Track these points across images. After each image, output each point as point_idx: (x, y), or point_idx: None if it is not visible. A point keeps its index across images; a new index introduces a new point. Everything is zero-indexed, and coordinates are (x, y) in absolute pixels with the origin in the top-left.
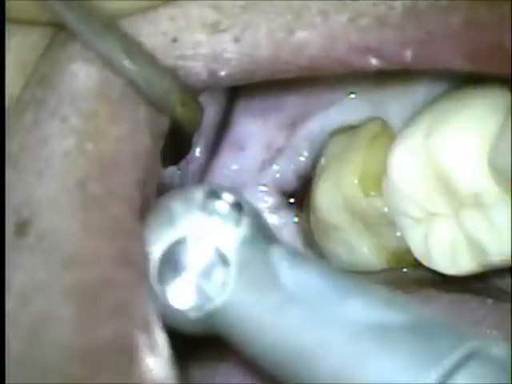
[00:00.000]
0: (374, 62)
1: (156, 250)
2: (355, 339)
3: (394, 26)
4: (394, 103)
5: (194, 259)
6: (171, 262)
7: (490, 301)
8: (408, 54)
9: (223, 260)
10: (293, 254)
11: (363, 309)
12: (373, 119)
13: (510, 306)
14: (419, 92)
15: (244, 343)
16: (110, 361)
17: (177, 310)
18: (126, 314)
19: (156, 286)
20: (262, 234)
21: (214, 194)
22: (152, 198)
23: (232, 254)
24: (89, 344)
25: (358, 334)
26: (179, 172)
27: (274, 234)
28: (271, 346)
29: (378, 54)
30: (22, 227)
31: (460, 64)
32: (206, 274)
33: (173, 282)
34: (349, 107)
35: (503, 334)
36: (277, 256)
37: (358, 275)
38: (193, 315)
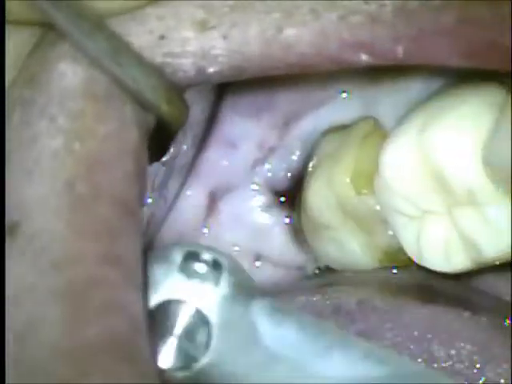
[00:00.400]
0: (365, 58)
1: None
2: None
3: (385, 23)
4: (386, 102)
5: (177, 321)
6: (155, 324)
7: (466, 314)
8: (400, 51)
9: (204, 321)
10: (273, 309)
11: (343, 363)
12: (365, 118)
13: (485, 319)
14: (411, 91)
15: None
16: (98, 360)
17: (163, 370)
18: (113, 312)
19: None
20: (242, 290)
21: (193, 255)
22: (143, 193)
23: (213, 315)
24: (77, 344)
25: None
26: (164, 168)
27: (254, 286)
28: None
29: (369, 50)
30: (12, 229)
31: (453, 61)
32: (189, 335)
33: (158, 345)
34: (341, 106)
35: (477, 348)
36: (257, 313)
37: (335, 328)
38: (179, 375)
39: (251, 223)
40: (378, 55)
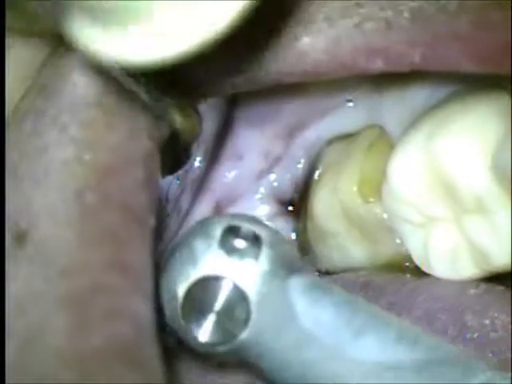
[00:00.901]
0: (380, 64)
1: (179, 288)
2: (368, 377)
3: (401, 28)
4: (392, 111)
5: (216, 297)
6: (194, 300)
7: (499, 288)
8: (416, 56)
9: (243, 297)
10: (310, 286)
11: (375, 348)
12: (370, 126)
13: None
14: (416, 99)
15: (269, 373)
16: (102, 366)
17: (204, 343)
18: (118, 318)
19: (181, 323)
20: (282, 265)
21: (233, 230)
22: (153, 202)
23: (252, 291)
24: (81, 350)
25: (371, 373)
26: (178, 182)
27: (294, 261)
28: (293, 377)
29: (384, 56)
30: (21, 238)
31: (468, 65)
32: (228, 311)
33: (197, 320)
34: (346, 115)
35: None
36: (294, 291)
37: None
38: (219, 349)
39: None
40: (393, 61)
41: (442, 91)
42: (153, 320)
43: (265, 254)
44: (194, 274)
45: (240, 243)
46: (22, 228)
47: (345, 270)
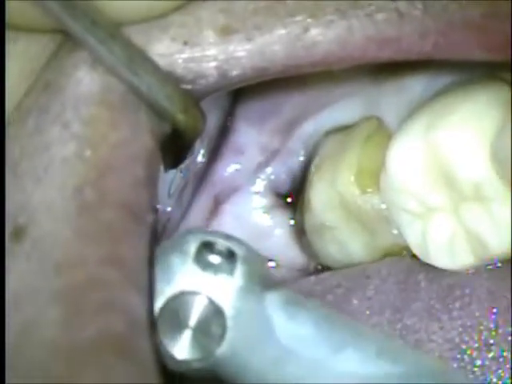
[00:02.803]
0: (390, 53)
1: (155, 304)
2: None
3: (414, 18)
4: (389, 102)
5: (191, 312)
6: (170, 316)
7: None
8: (428, 45)
9: (219, 313)
10: (287, 301)
11: (356, 362)
12: (368, 118)
13: None
14: (414, 91)
15: None
16: (94, 358)
17: (180, 360)
18: (111, 312)
19: (157, 338)
20: (257, 280)
21: (207, 246)
22: (153, 199)
23: (227, 307)
24: (74, 343)
25: None
26: (181, 175)
27: (269, 276)
28: None
29: (396, 46)
30: (19, 233)
31: (480, 54)
32: (204, 326)
33: (173, 336)
34: (343, 107)
35: None
36: (271, 306)
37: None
38: (195, 365)
39: (253, 225)
40: (405, 50)
41: (439, 82)
42: (147, 314)
43: (240, 269)
44: (169, 290)
45: (215, 259)
46: (20, 224)
47: (343, 265)
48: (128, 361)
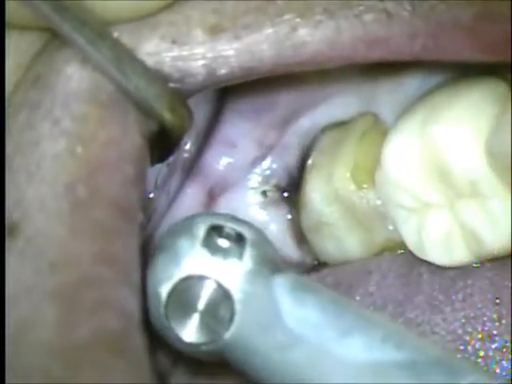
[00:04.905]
0: (380, 54)
1: (163, 288)
2: (354, 377)
3: (402, 19)
4: (385, 99)
5: (200, 296)
6: (178, 299)
7: None
8: (417, 46)
9: (227, 297)
10: (295, 285)
11: (362, 348)
12: (364, 114)
13: None
14: (410, 87)
15: (251, 374)
16: (90, 357)
17: (188, 343)
18: (105, 310)
19: (165, 323)
20: (265, 264)
21: (216, 230)
22: (142, 197)
23: (236, 291)
24: (70, 342)
25: (357, 373)
26: (167, 167)
27: (277, 260)
28: (277, 378)
29: (385, 46)
30: (12, 230)
31: (469, 55)
32: (212, 310)
33: (181, 320)
34: (339, 103)
35: None
36: (279, 290)
37: (357, 305)
38: (204, 348)
39: (249, 220)
40: (394, 51)
41: (435, 78)
42: (140, 311)
43: (248, 253)
44: (177, 274)
45: (224, 243)
46: (14, 220)
47: (339, 260)
48: (123, 359)
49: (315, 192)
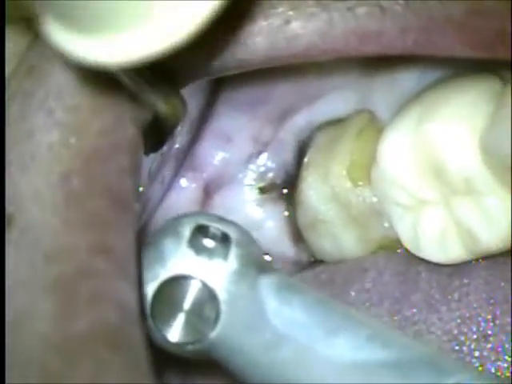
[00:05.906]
0: (373, 48)
1: (149, 288)
2: (341, 377)
3: (395, 13)
4: (381, 96)
5: (185, 296)
6: (163, 299)
7: None
8: (409, 41)
9: (212, 297)
10: (280, 285)
11: (348, 347)
12: (360, 111)
13: None
14: (406, 84)
15: (237, 373)
16: (87, 349)
17: (173, 343)
18: (103, 302)
19: (150, 323)
20: (251, 264)
21: (201, 230)
22: (137, 187)
23: (221, 291)
24: (67, 335)
25: (344, 372)
26: (160, 157)
27: (263, 260)
28: (263, 378)
29: (377, 40)
30: (7, 222)
31: (461, 51)
32: (197, 310)
33: (166, 320)
34: (335, 100)
35: None
36: (265, 291)
37: (343, 305)
38: (189, 349)
39: (245, 217)
40: (386, 45)
41: (431, 75)
42: (137, 303)
43: (234, 253)
44: (162, 274)
45: (209, 242)
46: (9, 212)
47: (336, 258)
48: (121, 351)
49: (311, 189)
